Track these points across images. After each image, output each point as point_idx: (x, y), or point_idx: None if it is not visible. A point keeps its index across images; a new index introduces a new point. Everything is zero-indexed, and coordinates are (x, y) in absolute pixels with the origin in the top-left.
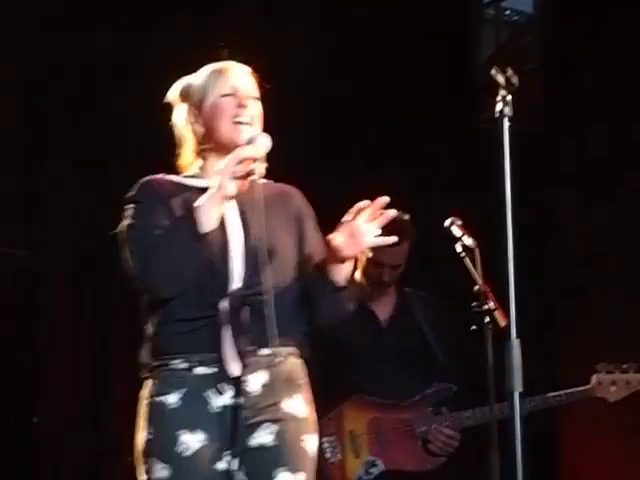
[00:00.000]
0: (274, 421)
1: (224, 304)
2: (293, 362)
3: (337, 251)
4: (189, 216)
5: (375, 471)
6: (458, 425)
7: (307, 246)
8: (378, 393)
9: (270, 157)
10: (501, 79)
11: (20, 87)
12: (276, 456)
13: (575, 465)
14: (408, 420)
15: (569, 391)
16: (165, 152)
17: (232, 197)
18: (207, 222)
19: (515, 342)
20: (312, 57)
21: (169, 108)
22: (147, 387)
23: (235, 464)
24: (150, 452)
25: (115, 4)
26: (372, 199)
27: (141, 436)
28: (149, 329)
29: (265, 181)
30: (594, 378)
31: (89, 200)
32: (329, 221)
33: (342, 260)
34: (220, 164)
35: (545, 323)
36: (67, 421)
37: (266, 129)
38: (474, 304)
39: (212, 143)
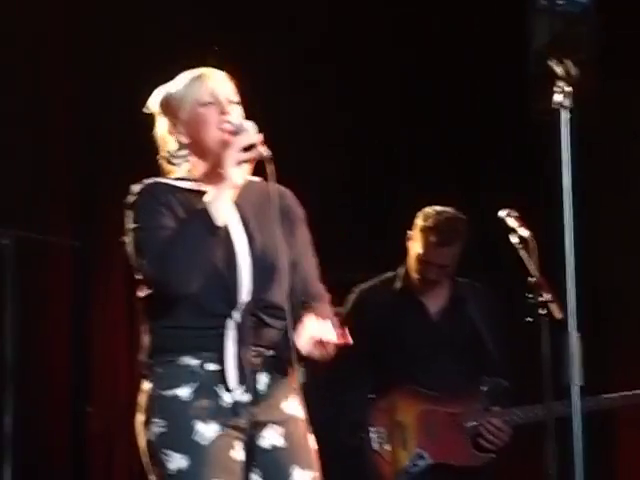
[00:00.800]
0: (279, 423)
1: (234, 316)
2: (289, 367)
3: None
4: (200, 212)
5: (422, 463)
6: (508, 423)
7: (297, 248)
8: (428, 385)
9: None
10: (559, 70)
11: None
12: (289, 455)
13: (632, 463)
14: (458, 414)
15: (624, 394)
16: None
17: (238, 186)
18: (219, 215)
19: (574, 334)
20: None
21: (151, 117)
22: (151, 383)
23: (244, 456)
24: (164, 444)
25: None
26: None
27: (151, 430)
28: (154, 328)
29: (258, 179)
30: None
31: None
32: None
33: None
34: (225, 156)
35: (598, 325)
36: (121, 411)
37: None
38: (530, 296)
39: (199, 152)
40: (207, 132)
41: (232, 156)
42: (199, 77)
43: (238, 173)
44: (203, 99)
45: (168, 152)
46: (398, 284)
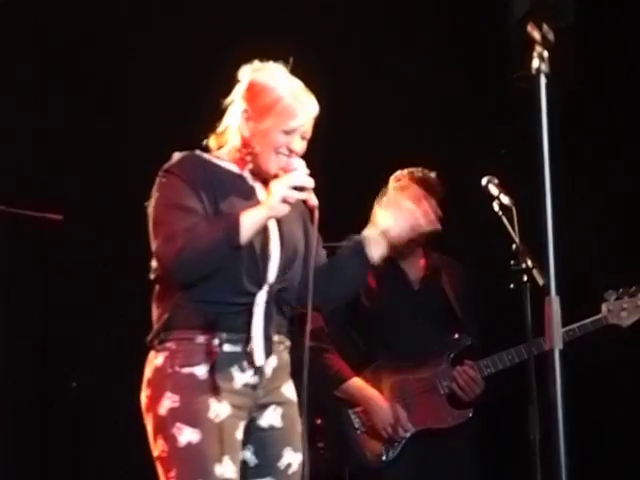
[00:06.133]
0: (278, 404)
1: (261, 295)
2: (287, 352)
3: (387, 231)
4: (231, 223)
5: (406, 434)
6: (480, 374)
7: (309, 246)
8: (407, 352)
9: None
10: (537, 35)
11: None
12: (283, 436)
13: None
14: (429, 378)
15: (582, 323)
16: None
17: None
18: (246, 234)
19: (555, 298)
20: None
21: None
22: (164, 358)
23: (242, 435)
24: (176, 418)
25: None
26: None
27: (163, 404)
28: (175, 302)
29: None
30: (604, 306)
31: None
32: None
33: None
34: (274, 189)
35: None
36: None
37: None
38: (512, 262)
39: (249, 151)
40: (263, 149)
41: (281, 191)
42: (297, 99)
43: (281, 208)
44: (288, 129)
45: (227, 133)
46: None
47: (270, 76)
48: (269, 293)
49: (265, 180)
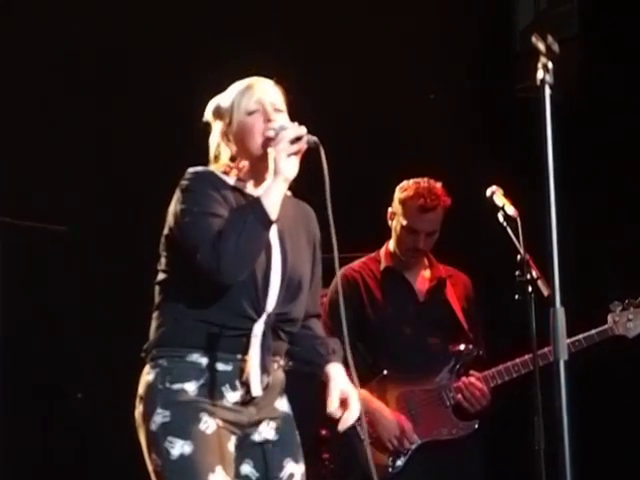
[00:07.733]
0: (272, 418)
1: (259, 325)
2: (281, 371)
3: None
4: (254, 205)
5: (412, 446)
6: (487, 385)
7: (313, 276)
8: (412, 364)
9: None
10: (541, 46)
11: None
12: (281, 448)
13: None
14: (435, 389)
15: (588, 334)
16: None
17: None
18: (273, 209)
19: (560, 310)
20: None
21: (207, 127)
22: (155, 375)
23: (234, 449)
24: (168, 432)
25: None
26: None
27: (154, 420)
28: (173, 318)
29: (289, 194)
30: (610, 317)
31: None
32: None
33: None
34: (276, 151)
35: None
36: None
37: None
38: (517, 273)
39: (245, 159)
40: (252, 140)
41: (282, 150)
42: (247, 86)
43: (290, 166)
44: (250, 108)
45: (221, 160)
46: (383, 264)
47: (218, 97)
48: (267, 324)
49: None
